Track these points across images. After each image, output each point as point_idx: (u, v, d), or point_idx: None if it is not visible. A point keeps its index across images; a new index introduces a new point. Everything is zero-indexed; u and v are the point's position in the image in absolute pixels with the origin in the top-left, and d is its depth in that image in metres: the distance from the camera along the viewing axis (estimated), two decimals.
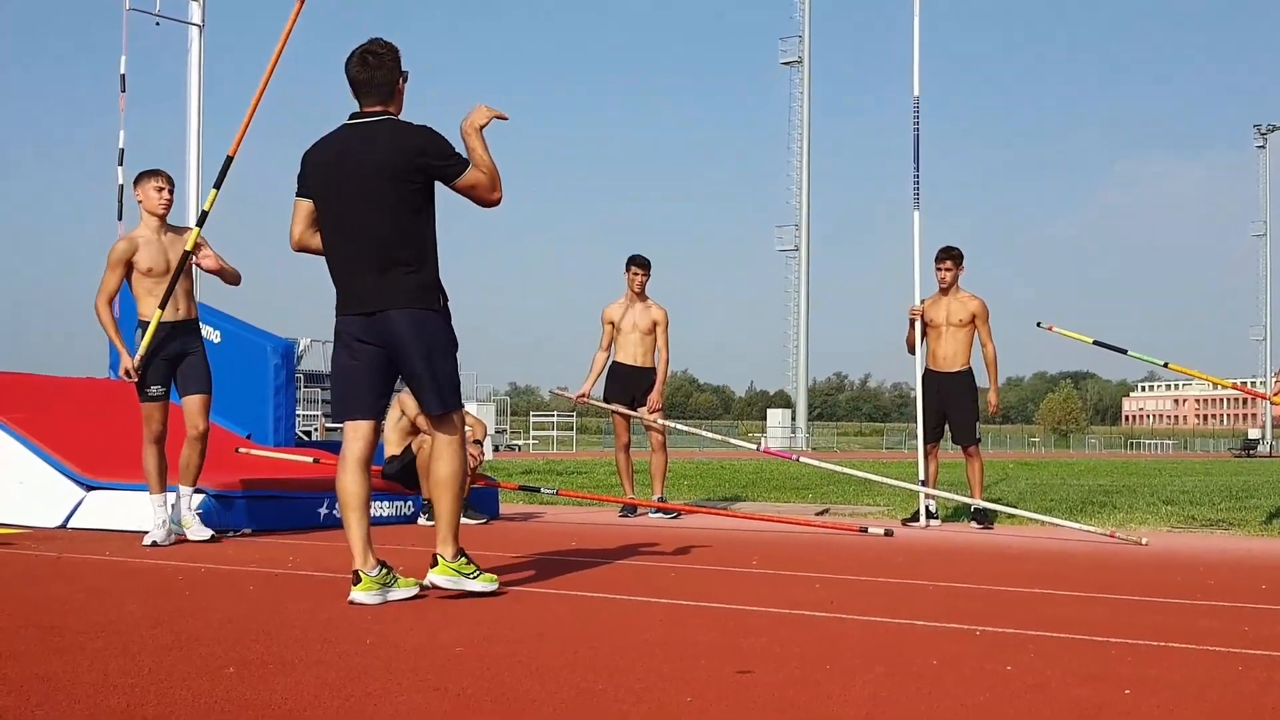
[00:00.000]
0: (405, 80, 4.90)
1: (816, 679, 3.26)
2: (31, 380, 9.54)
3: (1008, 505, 9.87)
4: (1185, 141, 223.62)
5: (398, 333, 4.75)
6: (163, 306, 6.93)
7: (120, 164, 10.82)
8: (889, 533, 8.18)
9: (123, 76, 11.18)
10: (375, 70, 4.81)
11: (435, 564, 4.77)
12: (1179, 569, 6.35)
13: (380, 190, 4.72)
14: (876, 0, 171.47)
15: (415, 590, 4.74)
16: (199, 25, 12.17)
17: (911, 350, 9.38)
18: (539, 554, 6.67)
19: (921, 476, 9.16)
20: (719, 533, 8.48)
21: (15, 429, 8.26)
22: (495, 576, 4.89)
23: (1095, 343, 9.43)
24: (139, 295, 7.04)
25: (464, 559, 4.79)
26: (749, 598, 4.91)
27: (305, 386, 34.10)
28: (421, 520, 8.85)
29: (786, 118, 75.69)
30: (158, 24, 11.85)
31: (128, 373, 6.90)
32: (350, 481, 4.81)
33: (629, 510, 9.89)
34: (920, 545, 7.63)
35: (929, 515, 9.10)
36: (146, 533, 6.91)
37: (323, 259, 4.97)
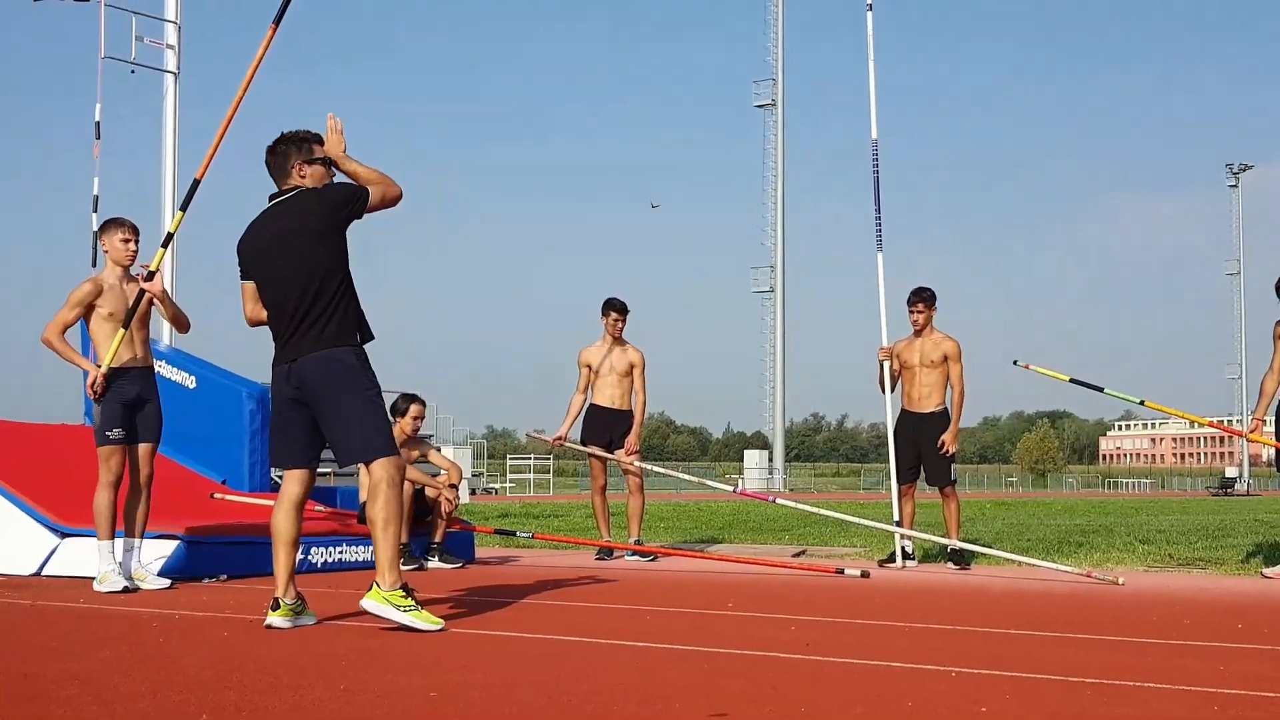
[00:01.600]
0: (325, 165, 5.45)
1: None
2: (5, 427, 9.48)
3: (984, 545, 9.88)
4: (1160, 179, 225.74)
5: (312, 378, 5.22)
6: (126, 325, 6.93)
7: (95, 210, 10.83)
8: (865, 574, 8.18)
9: (97, 124, 11.21)
10: (271, 157, 5.46)
11: (371, 589, 5.07)
12: (1155, 608, 6.37)
13: (301, 253, 5.27)
14: (849, 43, 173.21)
15: (316, 620, 5.33)
16: (174, 73, 12.21)
17: (884, 391, 9.41)
18: (514, 598, 6.65)
19: (896, 517, 9.16)
20: (695, 575, 8.47)
21: None
22: (439, 619, 5.08)
23: (1072, 380, 9.48)
24: (98, 340, 7.04)
25: (400, 592, 5.05)
26: (725, 640, 4.90)
27: None
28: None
29: (761, 159, 76.16)
30: (133, 72, 11.89)
31: (94, 384, 6.88)
32: (283, 520, 5.33)
33: (606, 553, 9.87)
34: (897, 586, 7.64)
35: (905, 556, 9.10)
36: (94, 579, 6.88)
37: None
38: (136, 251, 7.17)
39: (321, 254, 5.29)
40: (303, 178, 5.42)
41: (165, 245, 7.18)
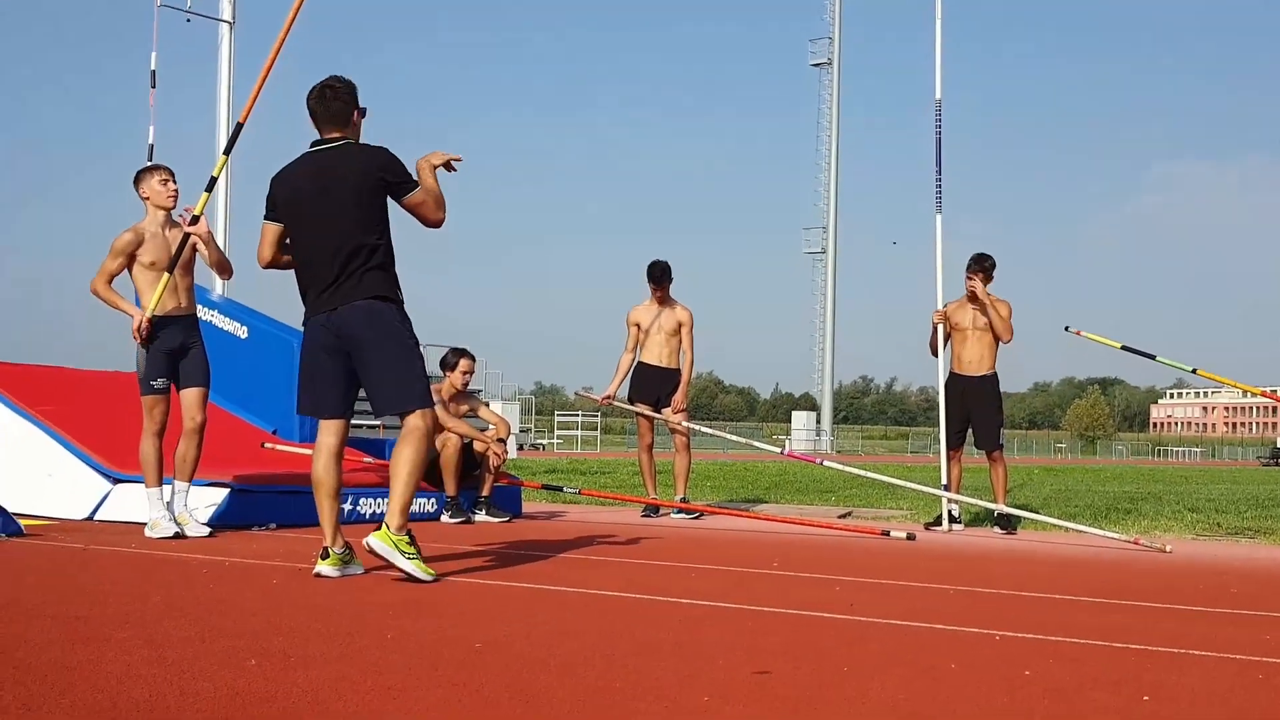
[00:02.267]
0: (363, 115, 5.51)
1: (835, 680, 3.26)
2: (61, 374, 9.62)
3: (1031, 511, 9.83)
4: (1221, 146, 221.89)
5: (354, 325, 5.24)
6: (170, 269, 6.98)
7: (150, 159, 10.89)
8: (911, 537, 8.17)
9: (153, 73, 11.27)
10: (332, 103, 5.40)
11: (379, 528, 5.14)
12: (1203, 577, 6.32)
13: (345, 206, 5.26)
14: (907, 1, 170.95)
15: (362, 570, 5.37)
16: (229, 22, 12.25)
17: (935, 353, 9.36)
18: (561, 553, 6.69)
19: (944, 481, 9.13)
20: (740, 534, 8.48)
21: (45, 422, 8.34)
22: (433, 571, 5.16)
23: (1124, 348, 9.38)
24: (141, 289, 7.09)
25: (407, 538, 5.11)
26: (769, 599, 4.92)
27: None
28: (444, 518, 8.89)
29: (815, 119, 75.59)
30: (188, 20, 11.93)
31: (139, 328, 6.94)
32: (323, 470, 5.36)
33: (651, 510, 9.91)
34: (942, 550, 7.62)
35: (952, 520, 9.08)
36: (145, 524, 7.00)
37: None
38: (177, 191, 7.16)
39: (373, 209, 5.32)
40: (356, 125, 5.46)
41: (209, 189, 7.22)
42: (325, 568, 5.25)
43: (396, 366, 5.29)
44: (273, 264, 5.53)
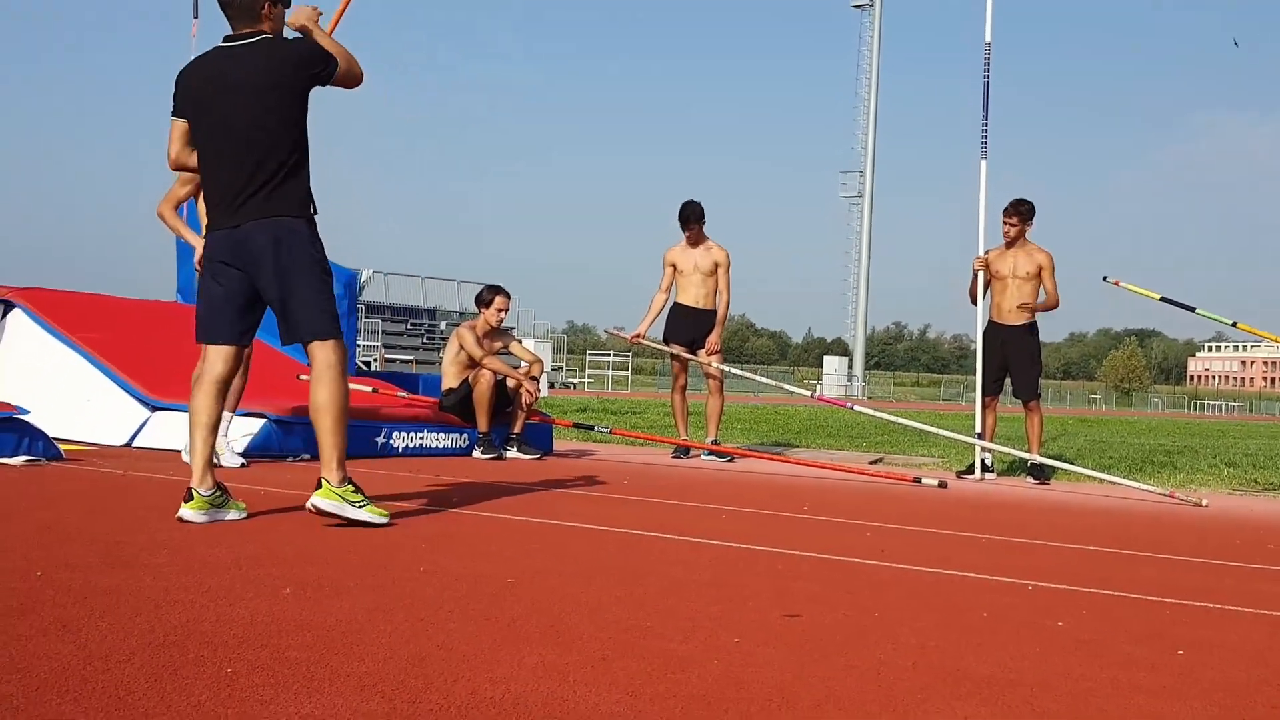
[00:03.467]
0: (285, 4, 4.89)
1: (864, 626, 3.26)
2: (101, 301, 9.69)
3: (1065, 461, 9.78)
4: (1263, 98, 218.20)
5: (257, 245, 4.72)
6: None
7: None
8: (943, 484, 8.15)
9: (195, 2, 11.21)
10: None
11: (320, 487, 4.70)
12: (1239, 531, 6.29)
13: (252, 109, 4.72)
14: None
15: (244, 514, 4.83)
16: None
17: (974, 301, 9.29)
18: (592, 491, 6.72)
19: (978, 429, 9.10)
20: (771, 478, 8.49)
21: (85, 348, 8.41)
22: (385, 512, 4.80)
23: (1163, 299, 9.29)
24: (204, 217, 7.11)
25: (350, 487, 4.71)
26: (799, 543, 4.92)
27: (366, 317, 34.32)
28: (476, 453, 8.93)
29: (855, 62, 74.85)
30: None
31: (201, 260, 6.97)
32: (202, 401, 4.84)
33: (682, 451, 9.92)
34: (974, 498, 7.60)
35: (984, 469, 9.05)
36: (181, 450, 7.05)
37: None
38: None
39: (282, 110, 4.75)
40: (269, 20, 4.84)
41: None
42: (189, 511, 4.65)
43: (301, 292, 4.75)
44: (180, 165, 5.00)
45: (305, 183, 4.83)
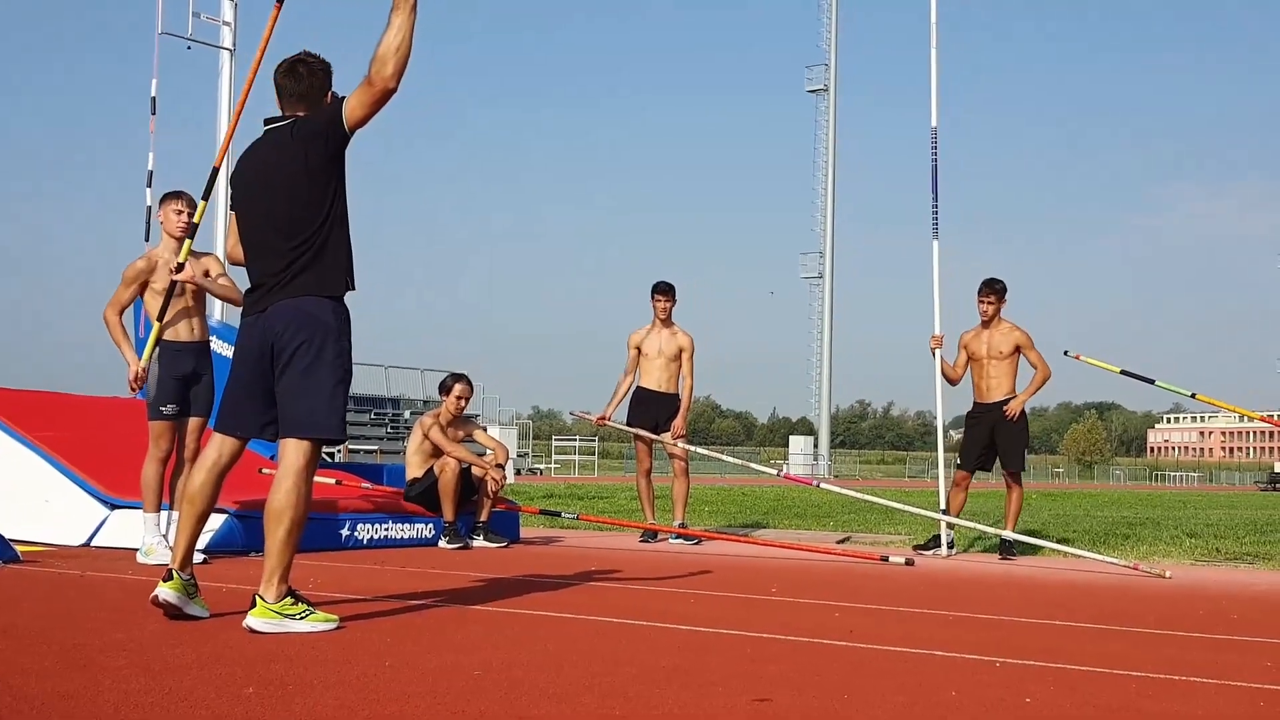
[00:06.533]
0: (332, 99, 4.76)
1: (835, 708, 3.26)
2: (58, 399, 9.61)
3: (1030, 536, 9.82)
4: (1215, 171, 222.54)
5: (280, 330, 4.53)
6: (160, 318, 6.99)
7: (149, 185, 10.91)
8: (910, 562, 8.16)
9: (153, 99, 11.29)
10: (302, 81, 4.72)
11: (254, 605, 4.41)
12: (1202, 602, 6.32)
13: (280, 192, 4.60)
14: (903, 27, 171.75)
15: (206, 614, 4.66)
16: (230, 50, 12.29)
17: (951, 382, 9.31)
18: (559, 578, 6.68)
19: (943, 505, 9.12)
20: (739, 559, 8.47)
21: (42, 447, 8.32)
22: (333, 616, 4.51)
23: (1123, 372, 9.39)
24: (152, 314, 7.12)
25: (289, 599, 4.43)
26: (768, 625, 4.91)
27: None
28: (442, 543, 8.86)
29: (812, 145, 75.85)
30: (189, 48, 11.96)
31: (135, 379, 6.98)
32: (197, 485, 4.68)
33: (650, 536, 9.89)
34: (941, 575, 7.61)
35: (949, 545, 9.06)
36: (138, 549, 7.03)
37: None
38: (190, 224, 7.13)
39: (316, 189, 4.61)
40: (319, 104, 4.72)
41: (190, 236, 7.02)
42: (166, 590, 4.53)
43: (297, 382, 4.52)
44: (234, 259, 4.90)
45: (339, 259, 4.65)
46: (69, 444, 8.42)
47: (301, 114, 4.71)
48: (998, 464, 9.34)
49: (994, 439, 9.15)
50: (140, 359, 7.02)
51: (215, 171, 7.11)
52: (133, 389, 7.05)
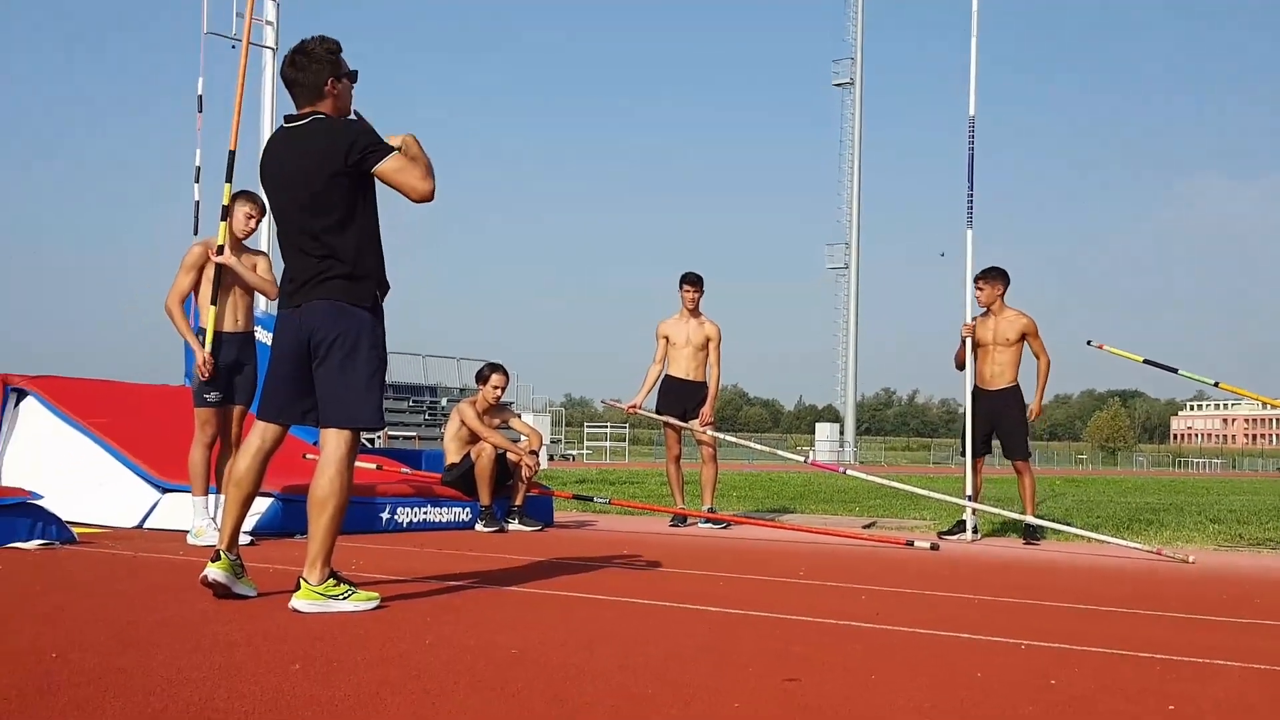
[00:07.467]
0: (350, 80, 4.82)
1: (862, 688, 3.34)
2: (112, 387, 9.79)
3: (1054, 521, 9.86)
4: (1244, 163, 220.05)
5: (316, 326, 4.64)
6: (213, 302, 7.17)
7: (196, 181, 11.02)
8: (935, 547, 8.23)
9: (200, 97, 11.40)
10: (302, 71, 4.72)
11: (298, 588, 4.55)
12: (1226, 587, 6.36)
13: (312, 191, 4.64)
14: (929, 22, 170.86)
15: (254, 593, 4.81)
16: (273, 49, 12.50)
17: (960, 367, 9.41)
18: (592, 561, 6.78)
19: (968, 491, 9.19)
20: (767, 543, 8.55)
21: (97, 433, 8.54)
22: (374, 594, 4.65)
23: (1146, 361, 9.41)
24: (203, 305, 7.28)
25: (332, 580, 4.56)
26: (796, 607, 4.99)
27: None
28: (479, 527, 8.98)
29: (838, 137, 75.67)
30: (234, 47, 12.10)
31: (203, 365, 7.14)
32: (244, 469, 4.80)
33: (679, 520, 9.99)
34: (966, 559, 7.67)
35: (973, 530, 9.12)
36: (188, 531, 7.22)
37: None
38: (254, 229, 7.40)
39: (336, 194, 4.64)
40: (333, 96, 4.75)
41: (224, 218, 7.24)
42: (215, 571, 4.70)
43: (335, 376, 4.65)
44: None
45: (368, 271, 4.72)
46: (121, 429, 8.63)
47: (320, 111, 4.74)
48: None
49: (994, 428, 9.23)
50: (205, 347, 7.18)
51: (232, 154, 7.34)
52: (201, 375, 7.20)
